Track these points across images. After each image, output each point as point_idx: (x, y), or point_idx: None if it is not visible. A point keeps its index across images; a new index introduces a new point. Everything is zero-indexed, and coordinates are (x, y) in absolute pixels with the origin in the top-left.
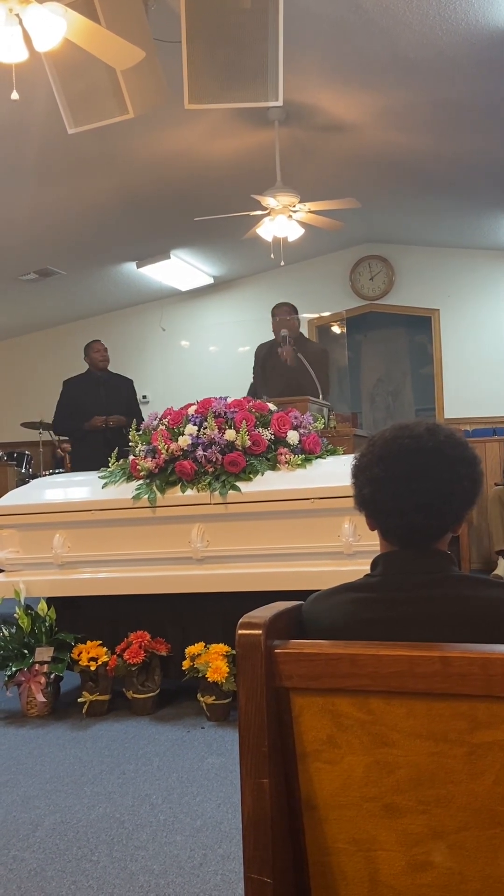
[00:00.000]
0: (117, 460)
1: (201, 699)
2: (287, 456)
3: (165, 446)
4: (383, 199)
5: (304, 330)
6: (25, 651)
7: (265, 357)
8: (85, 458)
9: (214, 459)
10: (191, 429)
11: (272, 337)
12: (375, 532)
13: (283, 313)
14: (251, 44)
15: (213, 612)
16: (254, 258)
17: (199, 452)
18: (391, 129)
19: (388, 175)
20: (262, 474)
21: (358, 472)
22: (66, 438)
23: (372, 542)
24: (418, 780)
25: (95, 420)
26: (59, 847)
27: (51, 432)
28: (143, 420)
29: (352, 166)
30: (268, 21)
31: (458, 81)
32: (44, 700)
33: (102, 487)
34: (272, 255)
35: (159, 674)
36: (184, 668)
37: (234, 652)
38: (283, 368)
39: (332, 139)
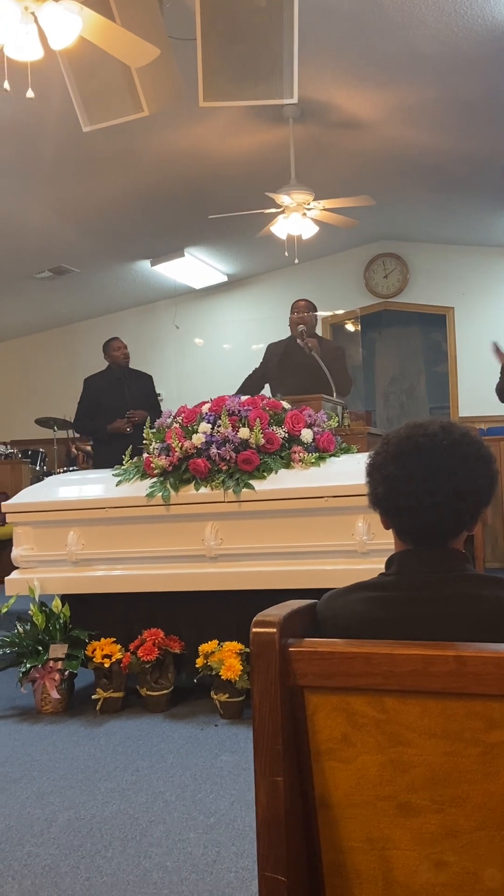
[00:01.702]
0: (132, 458)
1: (215, 697)
2: (301, 454)
3: (179, 444)
4: (398, 196)
5: (317, 328)
6: (40, 648)
7: (281, 356)
8: (110, 460)
9: (228, 457)
10: (205, 427)
11: (286, 334)
12: (390, 531)
13: (302, 308)
14: (266, 41)
15: (226, 610)
16: (268, 256)
17: (213, 450)
18: (406, 126)
19: (402, 172)
20: (276, 472)
21: (372, 471)
22: (82, 437)
23: (386, 541)
24: (433, 780)
25: (118, 423)
26: (73, 843)
27: (68, 431)
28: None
29: (366, 164)
30: (282, 18)
31: (473, 78)
32: (58, 697)
33: (116, 485)
34: (286, 253)
35: (173, 671)
36: (197, 666)
37: (247, 650)
38: (299, 366)
39: (346, 136)
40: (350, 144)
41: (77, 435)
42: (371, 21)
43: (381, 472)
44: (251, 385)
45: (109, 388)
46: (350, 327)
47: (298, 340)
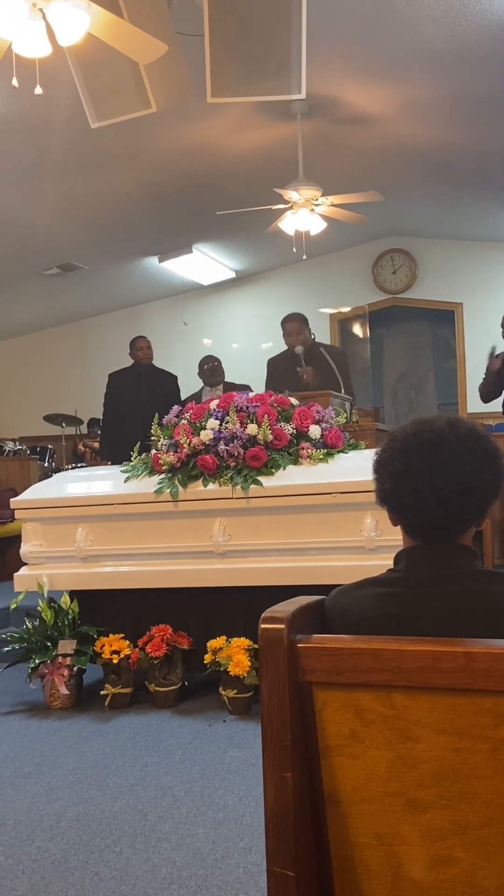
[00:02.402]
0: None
1: (223, 693)
2: (309, 450)
3: (187, 440)
4: (406, 192)
5: (325, 325)
6: (49, 644)
7: (282, 377)
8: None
9: (236, 454)
10: (213, 423)
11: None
12: (398, 527)
13: (294, 329)
14: (274, 37)
15: (234, 606)
16: (276, 252)
17: (221, 447)
18: (415, 121)
19: (411, 168)
20: (284, 469)
21: (379, 467)
22: (90, 434)
23: (394, 537)
24: (441, 776)
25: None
26: (83, 838)
27: (76, 428)
28: None
29: (375, 159)
30: (291, 13)
31: (482, 73)
32: (67, 692)
33: (125, 481)
34: (294, 249)
35: (181, 667)
36: (206, 662)
37: (255, 646)
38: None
39: (354, 132)
40: (358, 140)
41: (85, 432)
42: (379, 16)
43: (387, 468)
44: None
45: (131, 386)
46: (358, 323)
47: (297, 369)
